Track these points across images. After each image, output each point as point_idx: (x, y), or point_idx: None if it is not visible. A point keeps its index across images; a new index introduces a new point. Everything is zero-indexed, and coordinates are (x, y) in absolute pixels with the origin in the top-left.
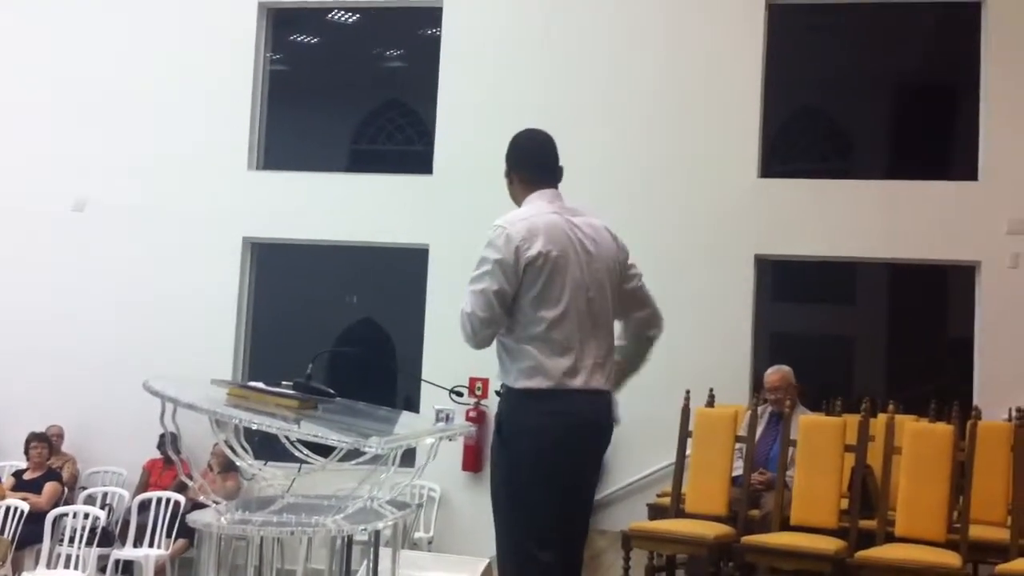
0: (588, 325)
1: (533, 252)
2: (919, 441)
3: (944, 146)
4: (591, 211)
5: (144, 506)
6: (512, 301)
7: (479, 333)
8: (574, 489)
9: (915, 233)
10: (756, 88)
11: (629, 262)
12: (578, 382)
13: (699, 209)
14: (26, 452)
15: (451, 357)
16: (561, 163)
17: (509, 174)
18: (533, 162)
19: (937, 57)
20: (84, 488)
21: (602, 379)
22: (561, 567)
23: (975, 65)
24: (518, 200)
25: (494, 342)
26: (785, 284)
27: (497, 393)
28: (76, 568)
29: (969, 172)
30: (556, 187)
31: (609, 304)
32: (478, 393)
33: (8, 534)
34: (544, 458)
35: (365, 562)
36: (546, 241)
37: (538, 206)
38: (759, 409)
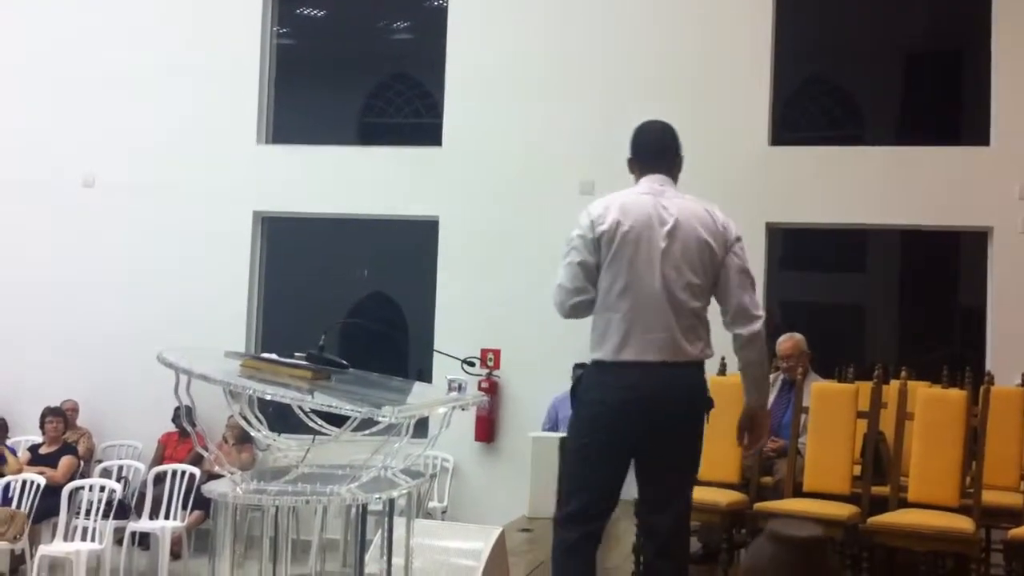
0: (660, 298)
1: (605, 225)
2: (932, 407)
3: (955, 111)
4: (697, 196)
5: (160, 478)
6: (597, 272)
7: (566, 303)
8: (627, 459)
9: (926, 199)
10: (766, 55)
11: (734, 249)
12: (632, 355)
13: (709, 177)
14: (42, 427)
15: (463, 328)
16: (681, 153)
17: (629, 161)
18: (642, 150)
19: (947, 22)
20: (100, 461)
21: (668, 352)
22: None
23: (986, 30)
24: None
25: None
26: (796, 252)
27: None
28: (93, 540)
29: (980, 137)
30: (666, 173)
31: (698, 280)
32: (490, 364)
33: (25, 508)
34: (593, 431)
35: (380, 531)
36: (620, 215)
37: (633, 188)
38: (771, 377)
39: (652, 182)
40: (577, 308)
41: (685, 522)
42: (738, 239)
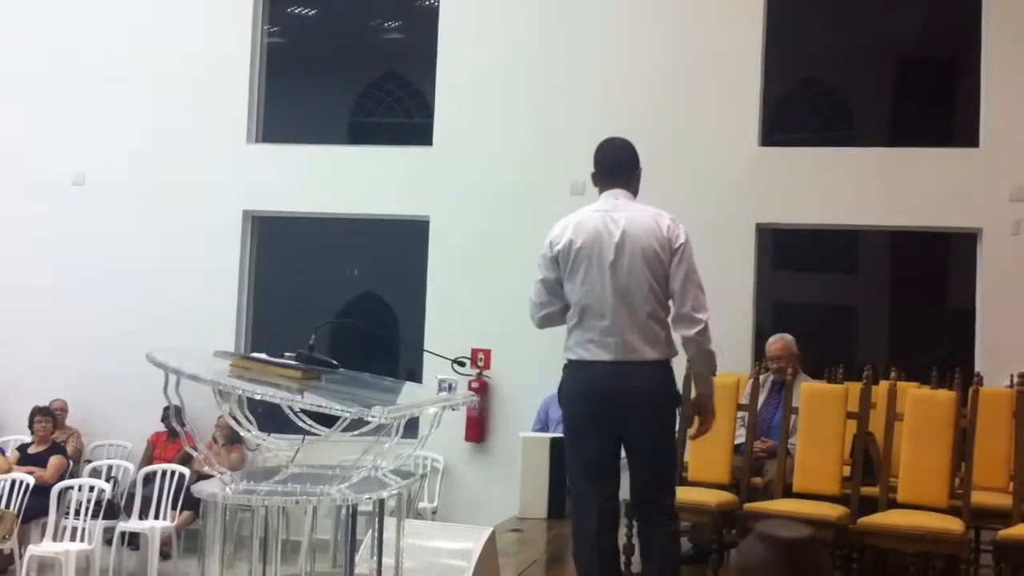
0: (613, 306)
1: (560, 245)
2: (921, 408)
3: (945, 113)
4: (646, 203)
5: (149, 478)
6: (559, 286)
7: (535, 316)
8: (600, 445)
9: (916, 201)
10: (757, 56)
11: (679, 255)
12: (591, 355)
13: (700, 178)
14: (30, 426)
15: (453, 328)
16: (641, 165)
17: (593, 176)
18: (601, 166)
19: (938, 24)
20: (89, 461)
21: (621, 352)
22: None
23: (976, 32)
24: None
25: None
26: (786, 253)
27: None
28: (82, 540)
29: (970, 139)
30: (623, 187)
31: (648, 285)
32: (480, 364)
33: (14, 507)
34: (571, 419)
35: (370, 531)
36: (573, 234)
37: (591, 206)
38: (761, 377)
39: (609, 197)
40: (546, 320)
41: (662, 499)
42: (683, 246)
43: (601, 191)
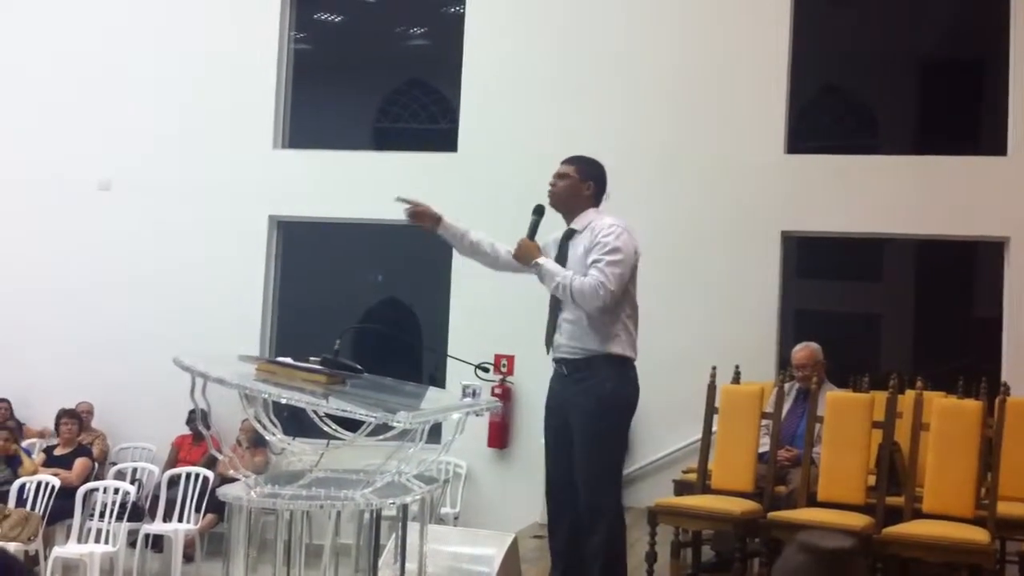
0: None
1: (640, 252)
2: (947, 417)
3: (972, 121)
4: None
5: (174, 481)
6: None
7: (608, 307)
8: None
9: (942, 209)
10: (782, 63)
11: None
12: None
13: (725, 186)
14: (56, 428)
15: (476, 334)
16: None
17: (587, 182)
18: (605, 186)
19: (964, 30)
20: (114, 464)
21: None
22: None
23: (1003, 38)
24: (574, 200)
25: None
26: (811, 261)
27: (567, 361)
28: (106, 543)
29: (997, 147)
30: None
31: None
32: (503, 370)
33: (39, 509)
34: (626, 426)
35: (393, 536)
36: (637, 245)
37: (616, 218)
38: (786, 386)
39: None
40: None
41: None
42: None
43: (590, 204)
